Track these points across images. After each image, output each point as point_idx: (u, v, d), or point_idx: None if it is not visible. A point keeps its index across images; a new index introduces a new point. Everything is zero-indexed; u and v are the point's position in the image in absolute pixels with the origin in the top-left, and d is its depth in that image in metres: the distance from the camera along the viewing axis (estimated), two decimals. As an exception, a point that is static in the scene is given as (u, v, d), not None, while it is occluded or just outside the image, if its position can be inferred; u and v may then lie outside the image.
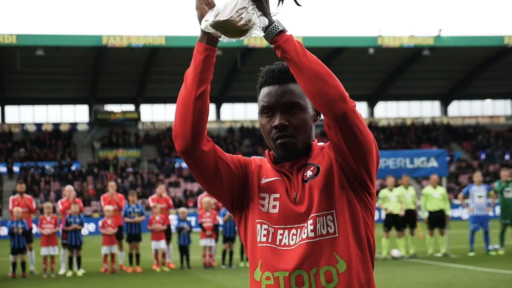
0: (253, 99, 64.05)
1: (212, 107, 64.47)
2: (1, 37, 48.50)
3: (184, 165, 55.87)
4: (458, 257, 21.00)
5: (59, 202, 21.34)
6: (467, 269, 17.92)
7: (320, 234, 3.13)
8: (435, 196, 21.81)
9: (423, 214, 22.17)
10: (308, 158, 3.25)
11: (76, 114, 62.49)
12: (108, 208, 20.60)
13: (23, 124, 60.24)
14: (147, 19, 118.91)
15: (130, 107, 62.64)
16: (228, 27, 3.08)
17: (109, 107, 62.69)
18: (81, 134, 60.41)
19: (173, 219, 36.47)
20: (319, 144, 3.31)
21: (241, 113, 65.16)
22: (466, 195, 22.30)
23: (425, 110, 67.62)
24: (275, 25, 3.07)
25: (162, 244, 20.40)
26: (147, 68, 56.77)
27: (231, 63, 56.44)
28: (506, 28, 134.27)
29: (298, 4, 3.17)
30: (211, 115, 64.27)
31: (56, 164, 54.16)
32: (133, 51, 52.40)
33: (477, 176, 22.78)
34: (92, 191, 49.91)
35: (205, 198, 21.39)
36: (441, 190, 22.01)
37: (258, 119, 3.34)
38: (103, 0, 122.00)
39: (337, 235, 3.14)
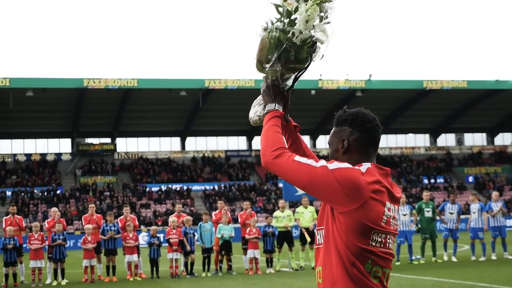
0: (212, 132, 64.19)
1: (177, 140, 64.31)
2: (-4, 80, 48.14)
3: (154, 189, 55.56)
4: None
5: (46, 222, 21.08)
6: (394, 276, 18.02)
7: (318, 243, 3.49)
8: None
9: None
10: None
11: (60, 146, 61.87)
12: (88, 226, 20.43)
13: (15, 155, 59.43)
14: (122, 64, 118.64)
15: (107, 140, 62.16)
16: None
17: (89, 140, 62.13)
18: (65, 163, 59.78)
19: (144, 235, 36.25)
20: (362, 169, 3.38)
21: (203, 144, 65.02)
22: (393, 214, 22.42)
23: (358, 142, 67.94)
24: (267, 110, 3.74)
25: (134, 257, 20.28)
26: (121, 107, 56.53)
27: (194, 102, 56.48)
28: (425, 73, 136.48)
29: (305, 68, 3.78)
30: (177, 146, 64.08)
31: (43, 189, 53.51)
32: (109, 92, 52.17)
33: (402, 197, 23.03)
34: (74, 212, 49.35)
35: (171, 218, 21.35)
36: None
37: None
38: (84, 47, 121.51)
39: (322, 246, 3.43)
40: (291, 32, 3.61)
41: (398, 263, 21.50)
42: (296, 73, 3.81)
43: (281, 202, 22.26)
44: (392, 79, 59.15)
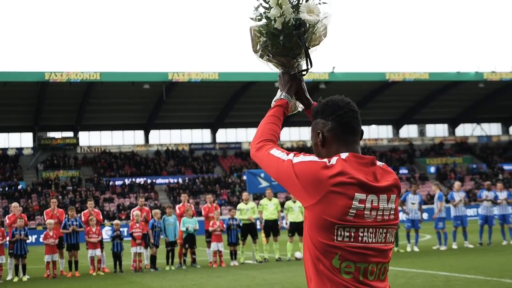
0: (176, 125, 63.93)
1: (141, 133, 63.92)
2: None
3: (117, 182, 55.18)
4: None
5: (6, 217, 20.80)
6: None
7: None
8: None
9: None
10: None
11: (22, 140, 61.09)
12: (50, 221, 20.22)
13: (-26, 149, 58.61)
14: (84, 57, 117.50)
15: (70, 134, 61.55)
16: None
17: (51, 134, 61.42)
18: (26, 157, 59.07)
19: (108, 229, 35.96)
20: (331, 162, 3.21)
21: (167, 138, 64.70)
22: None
23: (322, 134, 68.26)
24: (274, 99, 3.83)
25: (97, 251, 20.13)
26: (84, 100, 56.00)
27: (158, 95, 56.18)
28: (387, 65, 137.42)
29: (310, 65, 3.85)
30: (140, 140, 63.71)
31: (4, 184, 52.82)
32: (72, 85, 51.64)
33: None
34: (36, 207, 48.81)
35: (135, 211, 21.23)
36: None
37: None
38: (45, 40, 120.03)
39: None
40: (268, 18, 3.52)
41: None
42: (296, 59, 3.78)
43: (244, 195, 22.27)
44: (355, 71, 59.44)
